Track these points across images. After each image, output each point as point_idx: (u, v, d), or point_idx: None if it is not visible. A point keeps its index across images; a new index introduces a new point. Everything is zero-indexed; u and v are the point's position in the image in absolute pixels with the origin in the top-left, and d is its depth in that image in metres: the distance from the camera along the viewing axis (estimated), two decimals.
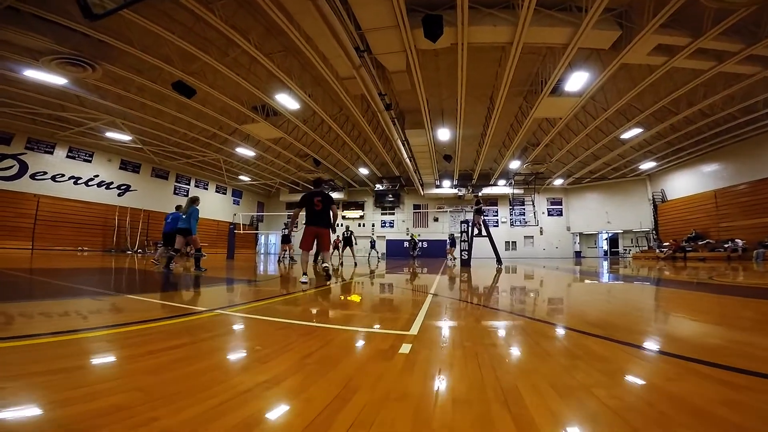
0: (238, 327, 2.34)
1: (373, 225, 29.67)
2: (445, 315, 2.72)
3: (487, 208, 30.38)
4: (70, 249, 17.90)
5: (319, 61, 10.42)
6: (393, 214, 30.48)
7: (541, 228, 28.70)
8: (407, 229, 29.64)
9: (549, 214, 29.42)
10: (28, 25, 8.98)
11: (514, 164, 23.25)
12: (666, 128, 16.49)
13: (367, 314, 2.85)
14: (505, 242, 29.50)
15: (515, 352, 1.78)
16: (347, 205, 30.16)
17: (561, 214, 29.31)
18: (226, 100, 13.61)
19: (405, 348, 1.79)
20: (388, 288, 5.34)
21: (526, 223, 28.62)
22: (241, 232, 18.49)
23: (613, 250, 29.17)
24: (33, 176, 17.41)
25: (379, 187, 26.90)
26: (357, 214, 30.22)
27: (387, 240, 29.61)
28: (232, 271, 7.83)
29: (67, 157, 18.74)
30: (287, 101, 13.51)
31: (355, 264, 12.69)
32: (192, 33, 10.00)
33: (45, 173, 17.86)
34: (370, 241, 20.72)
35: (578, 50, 9.98)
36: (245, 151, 20.46)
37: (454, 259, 16.08)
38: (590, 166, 23.01)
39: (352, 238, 15.07)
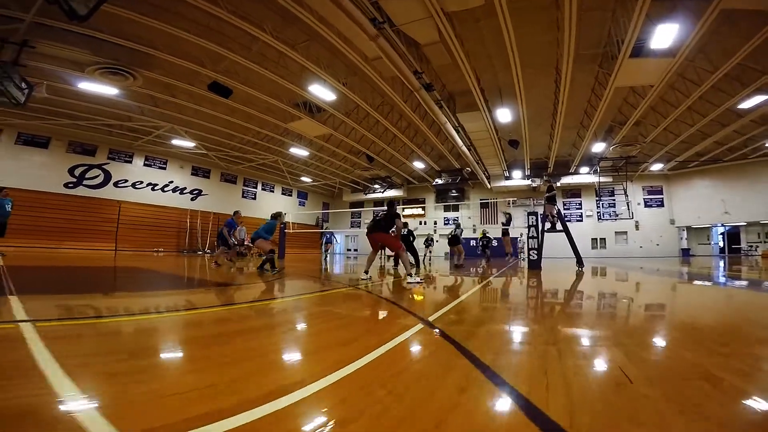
0: None
1: (435, 222, 27.89)
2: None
3: (569, 200, 26.77)
4: (148, 250, 19.32)
5: (341, 43, 9.39)
6: (457, 210, 28.33)
7: (636, 222, 24.33)
8: (473, 226, 27.27)
9: (646, 205, 24.79)
10: (63, 38, 9.32)
11: (598, 147, 19.75)
12: None
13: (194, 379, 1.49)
14: (592, 239, 25.61)
15: None
16: (407, 203, 28.75)
17: (662, 205, 24.48)
18: (264, 97, 13.30)
19: None
20: (371, 303, 3.86)
21: (617, 216, 24.36)
22: (291, 231, 18.29)
23: (734, 247, 23.56)
24: (116, 184, 19.14)
25: (438, 181, 24.98)
26: (417, 211, 28.72)
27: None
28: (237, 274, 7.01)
29: (144, 165, 20.34)
30: (321, 92, 12.68)
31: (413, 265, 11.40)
32: (209, 31, 9.72)
33: (126, 181, 19.54)
34: (426, 239, 18.74)
35: None
36: (299, 151, 20.32)
37: (509, 255, 13.87)
38: (697, 146, 18.62)
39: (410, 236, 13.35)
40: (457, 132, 15.17)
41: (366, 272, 5.85)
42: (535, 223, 11.17)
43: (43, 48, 9.42)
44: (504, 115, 14.42)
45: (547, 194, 11.19)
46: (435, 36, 8.92)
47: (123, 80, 11.50)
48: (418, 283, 5.37)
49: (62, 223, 16.99)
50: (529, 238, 11.33)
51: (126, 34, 9.53)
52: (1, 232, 8.56)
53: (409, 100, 13.54)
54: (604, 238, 25.52)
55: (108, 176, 18.90)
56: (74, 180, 17.84)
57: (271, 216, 8.52)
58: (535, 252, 10.92)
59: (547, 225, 11.36)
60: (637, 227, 24.51)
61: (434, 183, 25.49)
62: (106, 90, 12.47)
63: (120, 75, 11.17)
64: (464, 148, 17.26)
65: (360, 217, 30.64)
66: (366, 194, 29.16)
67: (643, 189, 24.85)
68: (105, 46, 9.84)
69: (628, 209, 22.64)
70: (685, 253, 23.58)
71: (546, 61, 11.48)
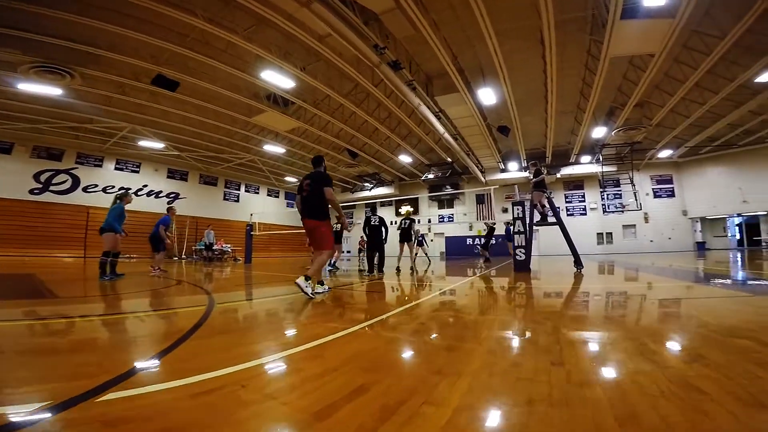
0: None
1: (429, 220, 26.45)
2: None
3: (571, 192, 25.03)
4: (121, 256, 18.24)
5: (285, 22, 8.39)
6: (452, 207, 26.81)
7: (645, 214, 22.59)
8: (470, 224, 25.60)
9: (655, 196, 22.97)
10: None
11: (599, 133, 18.06)
12: None
13: None
14: (597, 234, 23.90)
15: None
16: (400, 201, 27.26)
17: (672, 195, 22.65)
18: (222, 91, 12.32)
19: None
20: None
21: (624, 208, 22.41)
22: (257, 233, 17.01)
23: (754, 239, 21.65)
24: (85, 189, 18.18)
25: (428, 176, 23.42)
26: (410, 209, 27.22)
27: (446, 237, 26.03)
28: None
29: (116, 169, 19.37)
30: (278, 79, 11.38)
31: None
32: (142, 22, 8.84)
33: (96, 186, 18.57)
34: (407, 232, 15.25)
35: None
36: (274, 149, 19.12)
37: (488, 260, 12.01)
38: (709, 129, 16.92)
39: (413, 231, 10.63)
40: (438, 118, 13.77)
41: (320, 282, 3.86)
42: (521, 215, 9.49)
43: None
44: (487, 95, 12.90)
45: (534, 179, 9.40)
46: (390, 2, 7.58)
47: (61, 79, 10.72)
48: (321, 293, 3.83)
49: (25, 230, 16.03)
50: (514, 233, 9.60)
51: (59, 33, 8.72)
52: None
53: (381, 85, 12.18)
54: (611, 233, 23.78)
55: (77, 181, 17.95)
56: (40, 186, 16.92)
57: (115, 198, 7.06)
58: (522, 251, 9.00)
59: (537, 216, 9.71)
60: (646, 219, 22.78)
61: (423, 178, 23.96)
62: (48, 90, 11.63)
63: (57, 74, 10.34)
64: (449, 137, 15.80)
65: (352, 217, 29.26)
66: (353, 192, 27.82)
67: (651, 178, 23.09)
68: (35, 44, 8.98)
69: (636, 200, 20.82)
70: (701, 247, 21.77)
71: (526, 31, 10.00)
